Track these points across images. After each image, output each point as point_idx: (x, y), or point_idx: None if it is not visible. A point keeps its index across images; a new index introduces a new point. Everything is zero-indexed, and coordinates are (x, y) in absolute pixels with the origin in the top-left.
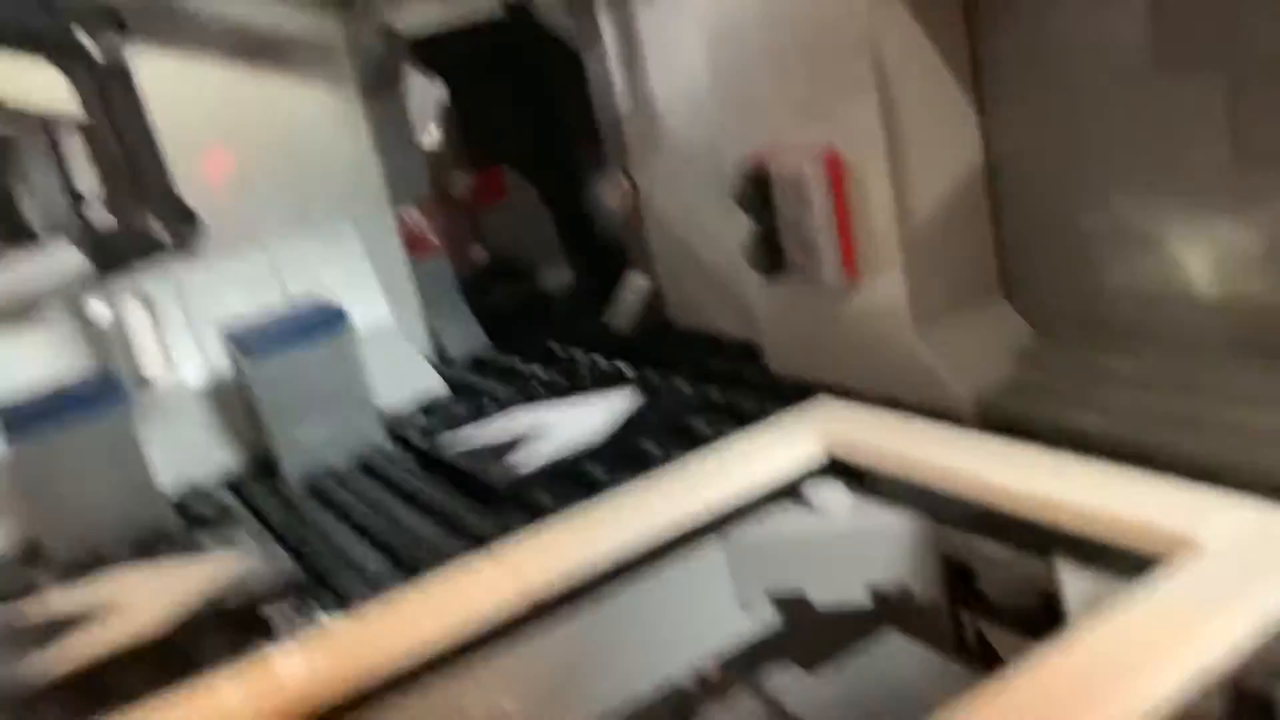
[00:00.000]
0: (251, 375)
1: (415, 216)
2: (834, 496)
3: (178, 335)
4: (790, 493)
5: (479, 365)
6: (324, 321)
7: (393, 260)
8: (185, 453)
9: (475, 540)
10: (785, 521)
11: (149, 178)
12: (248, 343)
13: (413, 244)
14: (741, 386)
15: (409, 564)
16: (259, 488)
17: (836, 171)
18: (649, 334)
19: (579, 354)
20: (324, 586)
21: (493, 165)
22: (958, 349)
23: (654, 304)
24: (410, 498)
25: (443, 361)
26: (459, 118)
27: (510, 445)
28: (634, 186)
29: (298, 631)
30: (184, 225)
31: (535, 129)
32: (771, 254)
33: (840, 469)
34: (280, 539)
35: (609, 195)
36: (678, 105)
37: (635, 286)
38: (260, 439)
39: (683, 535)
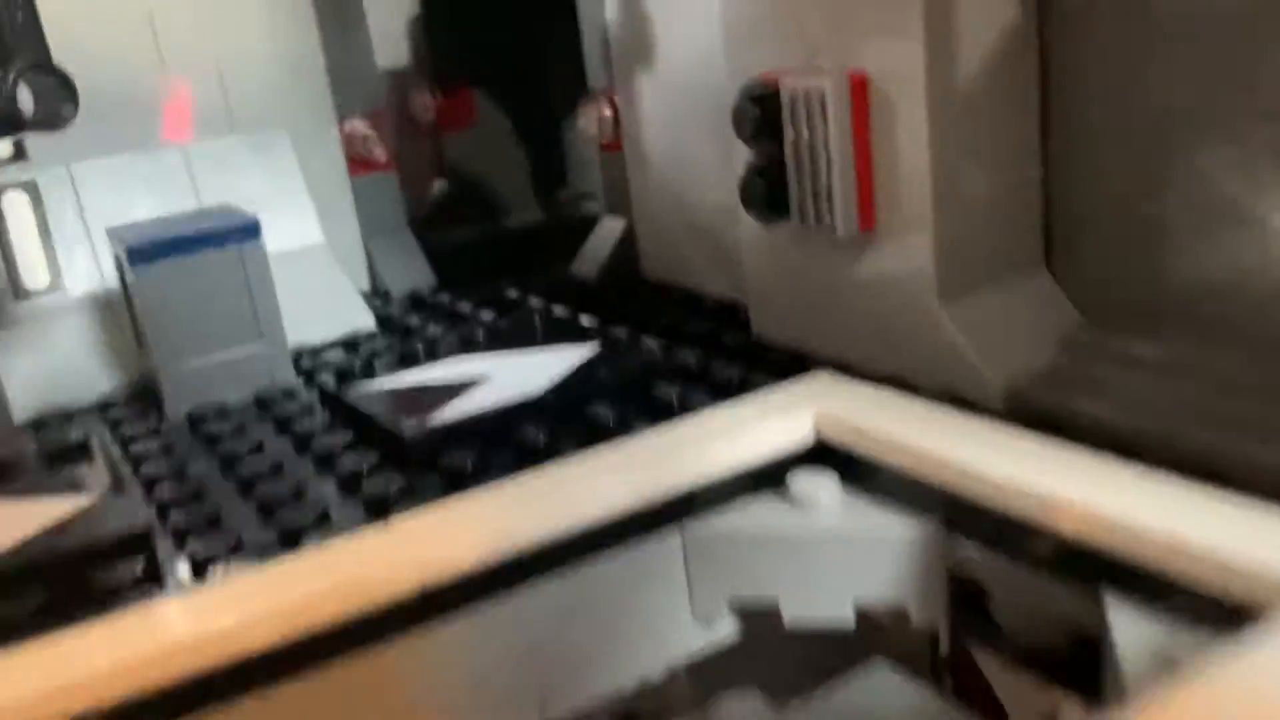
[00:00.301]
0: (136, 286)
1: (362, 130)
2: (822, 489)
3: (68, 238)
4: (769, 480)
5: (419, 304)
6: (231, 230)
7: (332, 177)
8: (61, 375)
9: (374, 507)
10: (760, 515)
11: (19, 39)
12: (135, 247)
13: (357, 161)
14: (720, 351)
15: (288, 530)
16: (136, 421)
17: (862, 96)
18: (618, 285)
19: (536, 302)
20: (181, 548)
21: (461, 85)
22: (989, 327)
23: (627, 251)
24: (306, 447)
25: (378, 296)
26: (425, 28)
27: (435, 395)
28: (616, 113)
29: (132, 600)
30: (59, 97)
31: (512, 47)
32: (771, 193)
33: (832, 457)
34: (146, 484)
35: (587, 120)
36: (676, 20)
37: (607, 230)
38: (146, 363)
39: (630, 521)
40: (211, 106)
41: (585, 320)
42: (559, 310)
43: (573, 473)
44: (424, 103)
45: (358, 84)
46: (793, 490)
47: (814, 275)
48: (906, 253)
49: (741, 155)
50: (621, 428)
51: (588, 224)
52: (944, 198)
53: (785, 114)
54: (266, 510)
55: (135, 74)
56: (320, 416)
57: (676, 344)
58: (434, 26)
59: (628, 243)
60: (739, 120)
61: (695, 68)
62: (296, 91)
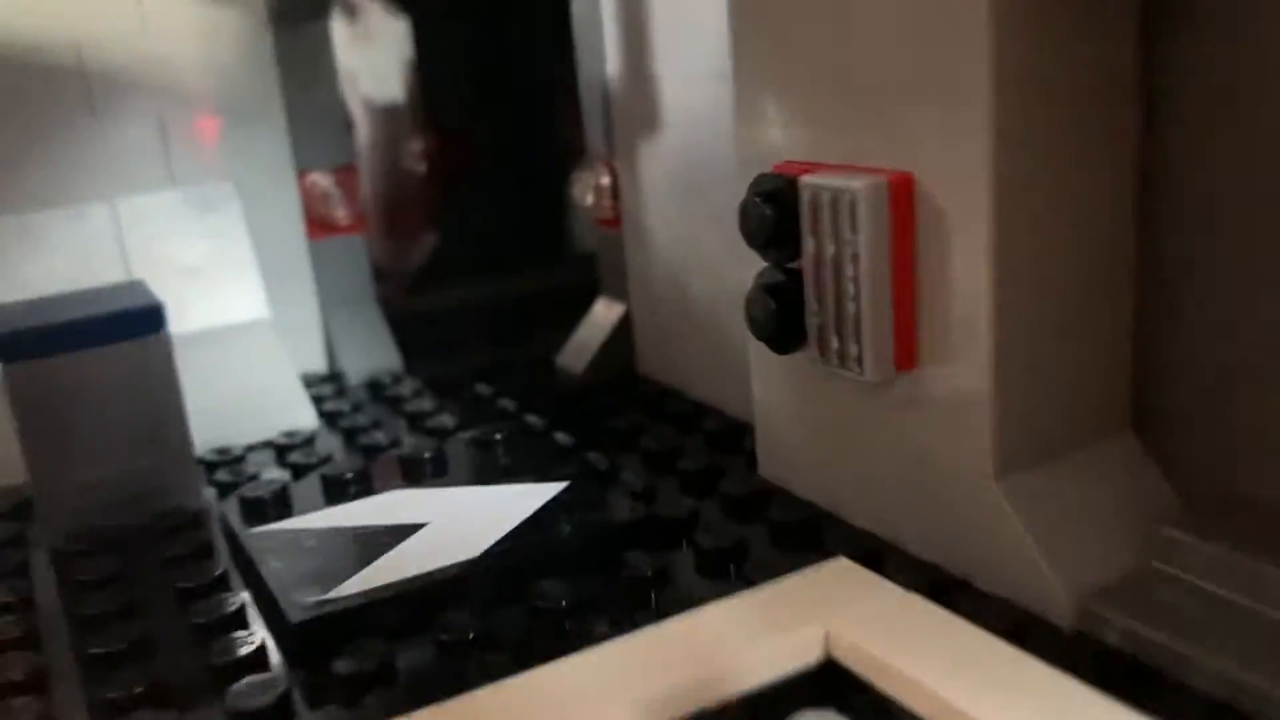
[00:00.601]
0: (11, 384)
1: (323, 185)
2: None
3: None
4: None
5: (377, 393)
6: (129, 318)
7: (288, 240)
8: None
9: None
10: None
11: None
12: (9, 337)
13: (316, 222)
14: (717, 499)
15: None
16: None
17: (906, 202)
18: (608, 385)
19: (508, 404)
20: None
21: (452, 135)
22: (1059, 515)
23: (621, 344)
24: (187, 603)
25: (333, 380)
26: (417, 71)
27: (353, 550)
28: (615, 184)
29: None
30: None
31: (509, 97)
32: (785, 318)
33: (845, 687)
34: None
35: (582, 189)
36: (687, 87)
37: (601, 317)
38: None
39: None
40: (148, 155)
41: (561, 437)
42: (532, 420)
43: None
44: (406, 153)
45: (321, 132)
46: None
47: (836, 419)
48: (956, 407)
49: (755, 262)
50: (573, 620)
51: (579, 302)
52: (1008, 338)
53: (804, 218)
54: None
55: (58, 116)
56: (217, 557)
57: (664, 480)
58: (420, 71)
59: (622, 334)
60: (747, 221)
61: (710, 139)
62: (249, 139)
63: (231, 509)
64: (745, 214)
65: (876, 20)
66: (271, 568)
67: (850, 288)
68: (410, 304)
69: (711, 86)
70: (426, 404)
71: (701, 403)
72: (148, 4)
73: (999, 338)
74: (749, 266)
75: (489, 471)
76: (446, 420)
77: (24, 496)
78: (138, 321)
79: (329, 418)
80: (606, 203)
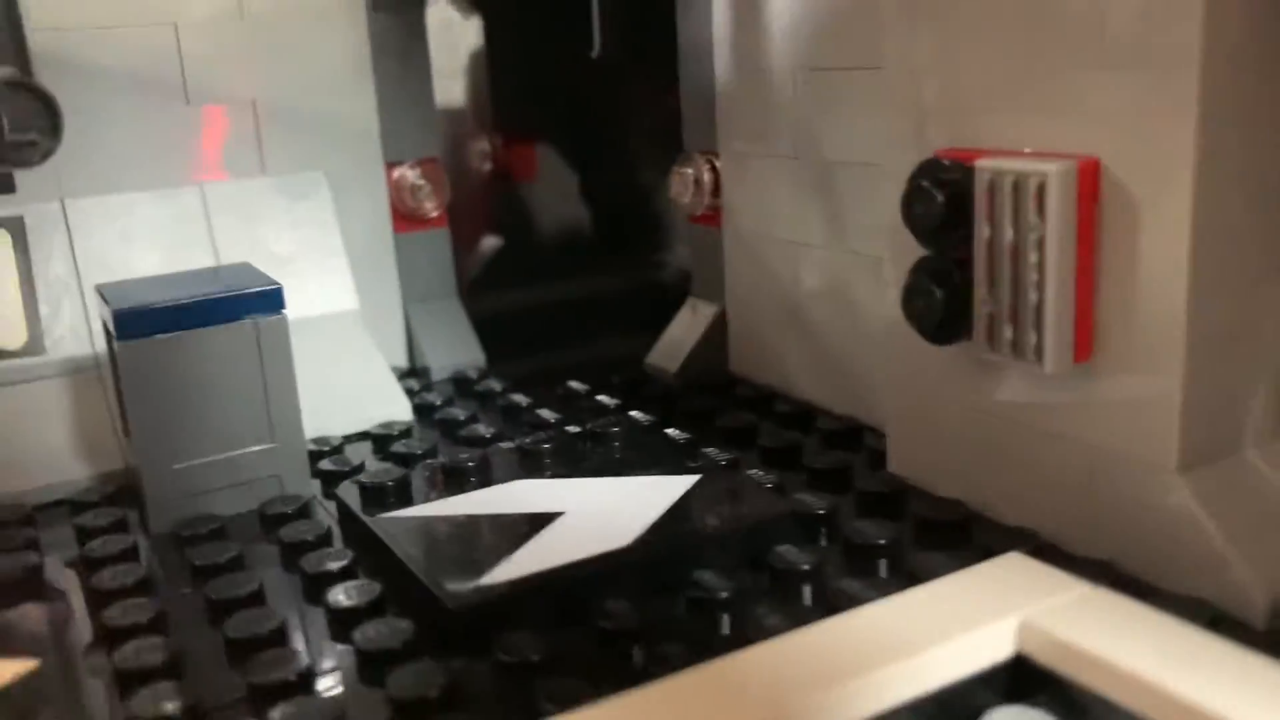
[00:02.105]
0: (123, 362)
1: (412, 179)
2: None
3: (54, 289)
4: (952, 714)
5: (465, 390)
6: (245, 299)
7: (373, 232)
8: (25, 458)
9: (406, 711)
10: None
11: None
12: (124, 314)
13: (404, 215)
14: (852, 495)
15: None
16: (110, 533)
17: (1091, 187)
18: (704, 385)
19: (607, 400)
20: None
21: (525, 133)
22: (1248, 509)
23: (715, 344)
24: (318, 596)
25: (415, 375)
26: (489, 64)
27: (490, 538)
28: (716, 180)
29: None
30: (36, 123)
31: (592, 90)
32: (951, 307)
33: (1035, 682)
34: (101, 635)
35: (681, 186)
36: (800, 79)
37: (695, 317)
38: (131, 457)
39: None
40: (240, 142)
41: (674, 433)
42: (638, 416)
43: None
44: (482, 150)
45: (411, 123)
46: None
47: (993, 413)
48: (1137, 398)
49: (905, 252)
50: (732, 611)
51: (657, 303)
52: (1202, 329)
53: (979, 204)
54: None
55: (151, 100)
56: (337, 546)
57: (787, 475)
58: (496, 65)
59: (716, 333)
60: (914, 207)
61: (824, 132)
62: (341, 131)
63: (350, 495)
64: (912, 201)
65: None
66: (414, 554)
67: (1032, 275)
68: (488, 301)
69: (830, 78)
70: (521, 398)
71: (807, 401)
72: None
73: (1193, 328)
74: (861, 263)
75: (608, 464)
76: (546, 414)
77: (122, 483)
78: (257, 302)
79: (420, 411)
80: (706, 200)
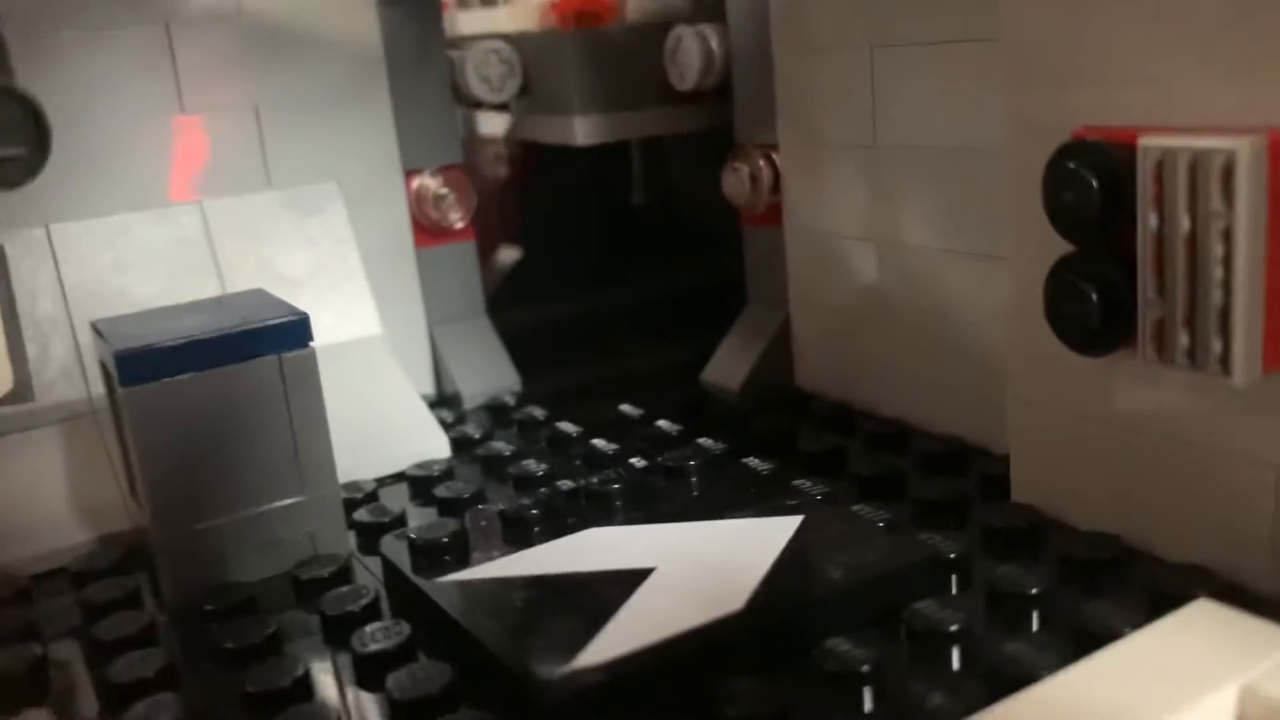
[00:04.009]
0: (128, 409)
1: (435, 188)
2: None
3: (41, 326)
4: None
5: (502, 418)
6: (267, 332)
7: (394, 248)
8: (16, 521)
9: None
10: None
11: None
12: (127, 354)
13: (426, 228)
14: (980, 532)
15: None
16: (120, 608)
17: None
18: (772, 403)
19: (669, 427)
20: None
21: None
22: None
23: (777, 358)
24: (374, 676)
25: (444, 404)
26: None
27: (572, 604)
28: (775, 174)
29: None
30: (22, 136)
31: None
32: (1110, 312)
33: None
34: None
35: (735, 185)
36: (879, 58)
37: (754, 326)
38: (140, 516)
39: None
40: (243, 153)
41: (754, 462)
42: (706, 443)
43: None
44: (496, 155)
45: (431, 128)
46: None
47: (1153, 431)
48: None
49: (1036, 248)
50: (887, 682)
51: (712, 313)
52: None
53: (1144, 190)
54: None
55: (143, 109)
56: (388, 620)
57: (893, 508)
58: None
59: (780, 344)
60: (1063, 195)
61: (907, 116)
62: (354, 138)
63: (398, 554)
64: (1059, 188)
65: None
66: (489, 629)
67: (1216, 272)
68: (516, 317)
69: (913, 55)
70: (570, 427)
71: (896, 418)
72: None
73: None
74: (958, 260)
75: (689, 504)
76: (602, 445)
77: (130, 546)
78: (280, 335)
79: (459, 445)
80: (765, 197)
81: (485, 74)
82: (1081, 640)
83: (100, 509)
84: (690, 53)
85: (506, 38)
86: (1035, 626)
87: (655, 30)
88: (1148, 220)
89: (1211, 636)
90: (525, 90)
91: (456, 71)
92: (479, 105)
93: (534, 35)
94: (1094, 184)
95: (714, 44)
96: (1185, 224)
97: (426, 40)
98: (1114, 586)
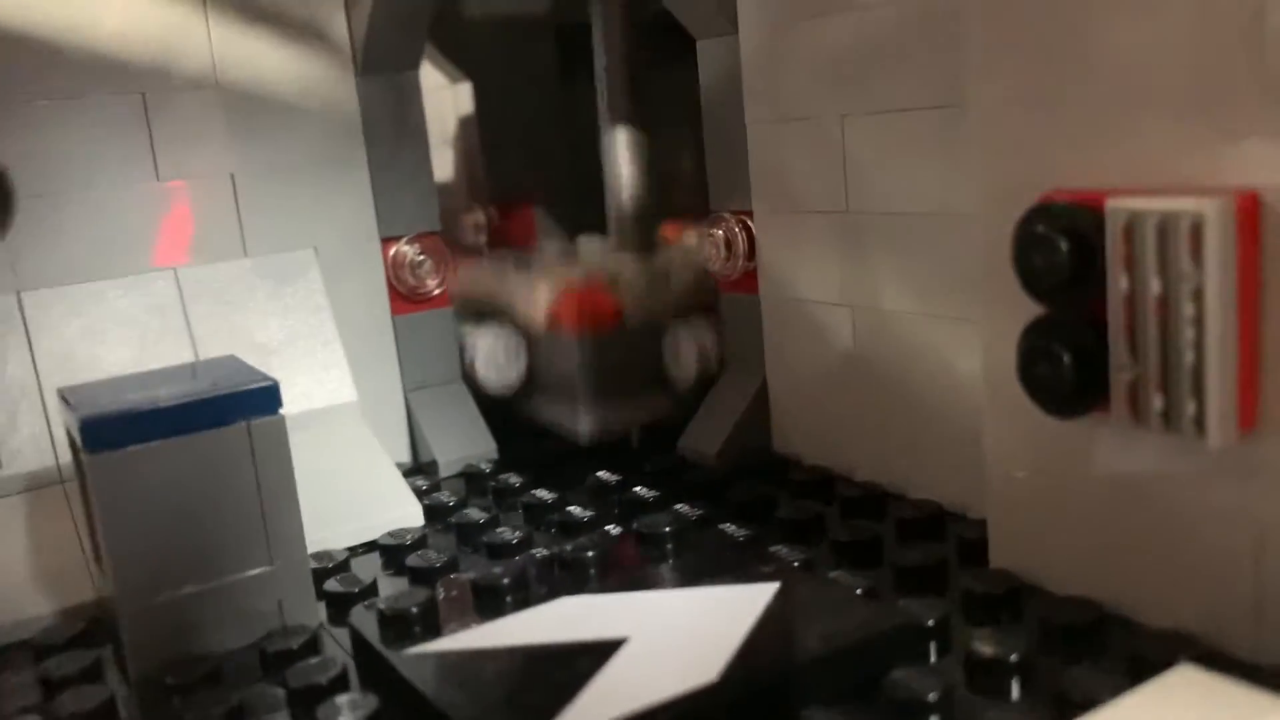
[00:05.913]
0: (93, 478)
1: (412, 255)
2: None
3: (11, 393)
4: None
5: (478, 485)
6: (236, 399)
7: (370, 315)
8: None
9: None
10: None
11: None
12: (93, 421)
13: (402, 294)
14: (959, 598)
15: None
16: (81, 683)
17: (1251, 226)
18: (749, 470)
19: (644, 492)
20: None
21: (519, 202)
22: None
23: (754, 424)
24: None
25: (421, 472)
26: (480, 131)
27: (549, 677)
28: (750, 240)
29: None
30: None
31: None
32: (1083, 375)
33: None
34: None
35: (710, 250)
36: (849, 127)
37: (729, 396)
38: (107, 587)
39: None
40: (218, 220)
41: (731, 529)
42: (683, 509)
43: None
44: (475, 223)
45: (408, 195)
46: None
47: (1129, 496)
48: None
49: (1006, 311)
50: None
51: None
52: None
53: (1113, 252)
54: None
55: (117, 177)
56: (355, 693)
57: (870, 574)
58: (489, 134)
59: (758, 411)
60: (1032, 259)
61: (876, 181)
62: (331, 205)
63: (366, 625)
64: (1028, 251)
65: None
66: (458, 705)
67: (1187, 333)
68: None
69: (885, 122)
70: (545, 494)
71: (871, 483)
72: (219, 49)
73: None
74: (932, 324)
75: (664, 572)
76: (578, 513)
77: (93, 617)
78: (249, 401)
79: (432, 513)
80: (740, 263)
81: None
82: (1062, 707)
83: (65, 580)
84: None
85: None
86: (1015, 694)
87: None
88: (1118, 282)
89: (1194, 703)
90: None
91: None
92: None
93: None
94: (1063, 247)
95: None
96: (1155, 286)
97: (403, 108)
98: (1094, 653)
